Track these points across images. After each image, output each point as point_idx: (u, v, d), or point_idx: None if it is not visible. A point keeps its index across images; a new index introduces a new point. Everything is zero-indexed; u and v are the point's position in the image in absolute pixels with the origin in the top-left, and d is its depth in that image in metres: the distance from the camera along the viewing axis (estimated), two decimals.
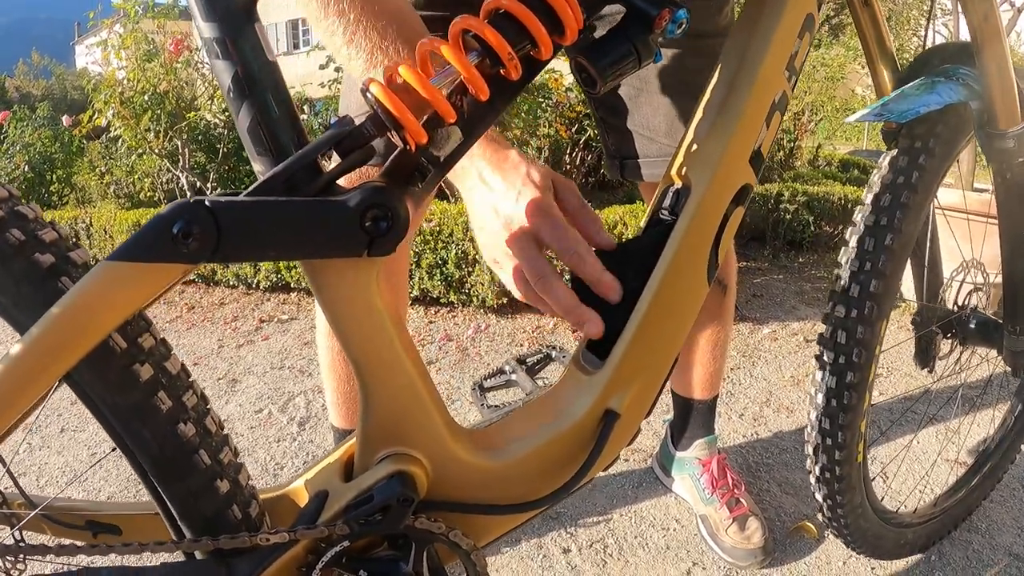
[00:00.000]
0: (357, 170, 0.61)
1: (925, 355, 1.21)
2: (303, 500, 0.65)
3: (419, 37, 0.65)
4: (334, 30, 0.66)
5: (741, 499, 1.38)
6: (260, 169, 0.54)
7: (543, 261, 0.65)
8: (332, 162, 0.55)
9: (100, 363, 0.53)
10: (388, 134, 0.53)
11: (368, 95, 0.52)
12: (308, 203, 0.52)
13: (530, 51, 0.56)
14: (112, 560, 0.94)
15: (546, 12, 0.55)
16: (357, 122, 0.53)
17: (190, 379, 0.60)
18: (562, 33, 0.56)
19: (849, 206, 3.39)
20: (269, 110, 0.53)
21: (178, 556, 0.63)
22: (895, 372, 2.13)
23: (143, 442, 0.56)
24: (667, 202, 0.68)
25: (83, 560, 0.69)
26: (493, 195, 0.67)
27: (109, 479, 1.64)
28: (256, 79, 0.52)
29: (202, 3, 0.51)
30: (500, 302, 2.59)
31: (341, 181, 0.55)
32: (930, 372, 1.22)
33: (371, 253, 0.53)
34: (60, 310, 0.49)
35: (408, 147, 0.53)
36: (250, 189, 0.51)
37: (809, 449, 1.07)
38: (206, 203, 0.49)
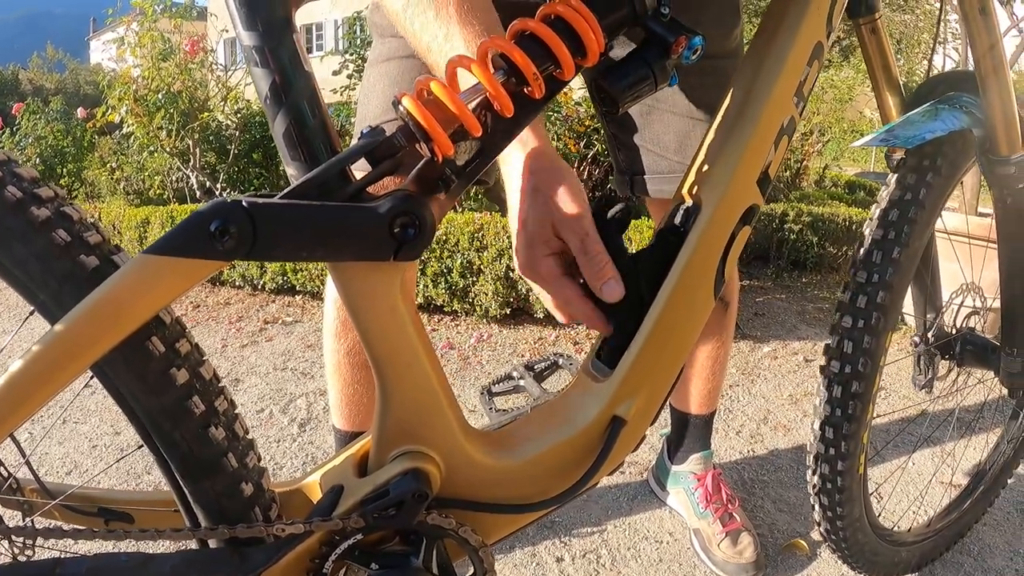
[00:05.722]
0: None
1: (924, 375, 1.23)
2: (316, 495, 0.68)
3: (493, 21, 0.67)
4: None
5: (734, 514, 1.39)
6: (293, 173, 0.56)
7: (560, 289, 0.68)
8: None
9: (137, 364, 0.55)
10: (416, 145, 0.55)
11: (399, 108, 0.55)
12: (341, 208, 0.54)
13: (553, 71, 0.59)
14: (127, 546, 0.95)
15: (570, 35, 0.58)
16: (387, 132, 0.56)
17: (221, 385, 0.62)
18: (584, 55, 0.59)
19: (854, 228, 3.41)
20: (304, 118, 0.55)
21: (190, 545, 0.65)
22: (892, 394, 2.15)
23: (173, 443, 0.58)
24: (677, 219, 0.71)
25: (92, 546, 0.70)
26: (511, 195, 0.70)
27: (111, 473, 1.67)
28: (292, 87, 0.55)
29: (243, 13, 0.54)
30: (503, 312, 2.62)
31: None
32: (928, 392, 1.25)
33: (398, 258, 0.56)
34: (98, 298, 0.52)
35: (435, 158, 0.56)
36: (284, 192, 0.54)
37: (810, 459, 1.08)
38: (243, 203, 0.52)
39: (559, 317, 0.71)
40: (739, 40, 1.15)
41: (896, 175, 1.02)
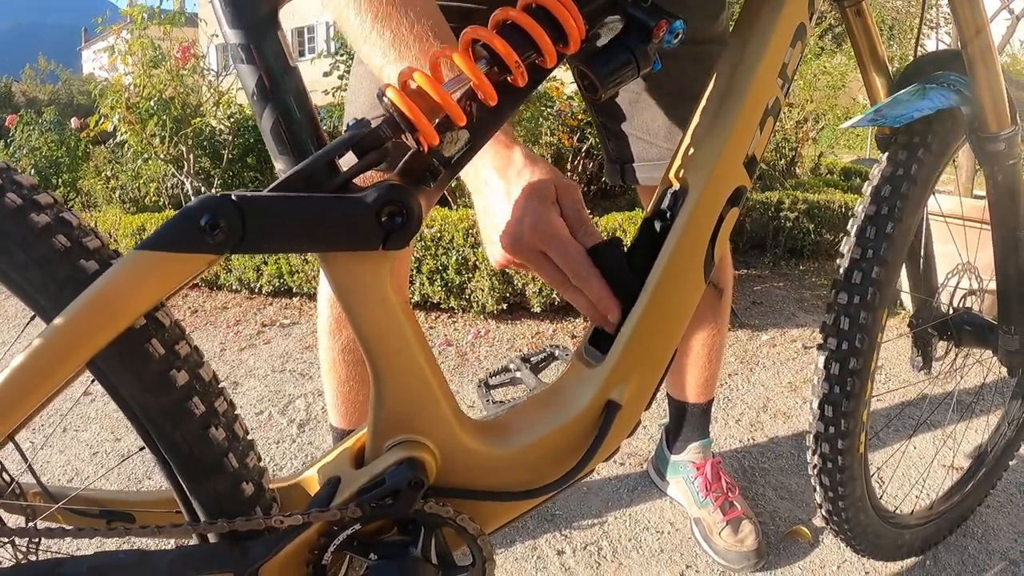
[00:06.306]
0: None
1: (922, 356, 1.24)
2: (314, 489, 0.68)
3: (446, 31, 0.68)
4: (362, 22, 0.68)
5: (735, 502, 1.39)
6: (281, 167, 0.57)
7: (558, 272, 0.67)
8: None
9: (137, 366, 0.56)
10: (402, 136, 0.56)
11: (384, 99, 0.55)
12: (328, 199, 0.55)
13: (536, 60, 0.59)
14: (128, 545, 0.95)
15: (551, 23, 0.58)
16: (373, 124, 0.56)
17: (220, 386, 0.62)
18: (566, 43, 0.59)
19: (850, 214, 3.40)
20: (290, 112, 0.56)
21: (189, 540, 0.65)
22: (892, 378, 2.15)
23: (174, 444, 0.58)
24: (665, 203, 0.71)
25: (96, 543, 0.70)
26: (493, 198, 0.70)
27: (112, 477, 1.67)
28: (278, 83, 0.56)
29: (228, 11, 0.55)
30: (500, 308, 2.62)
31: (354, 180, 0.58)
32: (927, 374, 1.25)
33: (386, 247, 0.57)
34: (91, 295, 0.52)
35: (421, 149, 0.56)
36: (272, 185, 0.54)
37: (810, 439, 1.08)
38: (232, 197, 0.53)
39: (566, 294, 0.70)
40: (725, 26, 1.15)
41: (887, 153, 1.02)
